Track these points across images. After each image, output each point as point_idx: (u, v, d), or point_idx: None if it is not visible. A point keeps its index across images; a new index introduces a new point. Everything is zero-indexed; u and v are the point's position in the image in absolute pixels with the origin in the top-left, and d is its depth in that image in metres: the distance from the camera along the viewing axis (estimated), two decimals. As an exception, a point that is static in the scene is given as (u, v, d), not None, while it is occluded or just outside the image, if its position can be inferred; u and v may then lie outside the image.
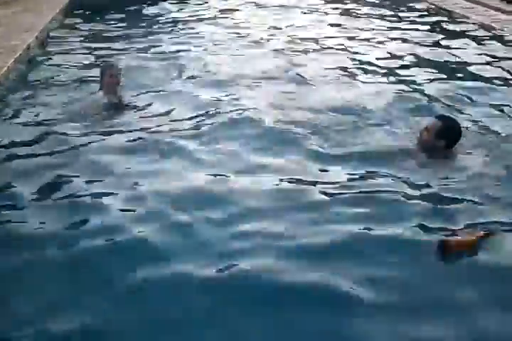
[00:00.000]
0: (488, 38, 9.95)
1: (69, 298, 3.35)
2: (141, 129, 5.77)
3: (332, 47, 9.34)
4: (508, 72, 7.86)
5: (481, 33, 10.33)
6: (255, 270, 3.51)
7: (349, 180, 4.70)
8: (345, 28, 10.66)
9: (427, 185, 4.57)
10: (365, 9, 12.43)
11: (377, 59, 8.60)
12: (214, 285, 3.41)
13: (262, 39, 9.80)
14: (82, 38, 10.01)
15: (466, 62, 8.44)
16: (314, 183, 4.63)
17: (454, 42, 9.57)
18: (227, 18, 11.75)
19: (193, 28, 10.70)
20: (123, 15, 11.65)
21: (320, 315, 3.17)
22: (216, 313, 3.22)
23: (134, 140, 5.51)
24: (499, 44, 9.47)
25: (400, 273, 3.52)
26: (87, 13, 11.83)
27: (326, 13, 12.21)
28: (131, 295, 3.36)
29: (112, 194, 4.45)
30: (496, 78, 7.54)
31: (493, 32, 10.30)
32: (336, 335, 3.08)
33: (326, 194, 4.46)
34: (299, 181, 4.69)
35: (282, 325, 3.13)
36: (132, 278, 3.46)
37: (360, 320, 3.15)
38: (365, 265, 3.59)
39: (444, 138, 4.91)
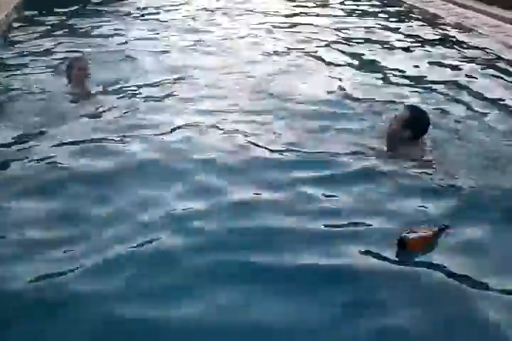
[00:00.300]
0: (441, 29, 10.26)
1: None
2: (110, 122, 5.72)
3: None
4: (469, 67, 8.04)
5: (435, 25, 10.63)
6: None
7: (309, 169, 4.67)
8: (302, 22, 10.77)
9: (388, 178, 4.53)
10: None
11: (340, 50, 8.76)
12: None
13: (228, 32, 9.85)
14: (41, 33, 9.83)
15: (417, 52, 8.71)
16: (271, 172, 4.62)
17: (406, 33, 9.83)
18: (193, 10, 11.75)
19: (157, 22, 10.67)
20: (83, 10, 11.50)
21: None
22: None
23: (103, 133, 5.45)
24: (454, 37, 9.73)
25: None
26: (45, 7, 11.63)
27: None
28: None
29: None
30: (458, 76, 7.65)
31: (449, 25, 10.60)
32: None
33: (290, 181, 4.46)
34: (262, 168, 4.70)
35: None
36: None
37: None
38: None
39: (410, 128, 4.88)
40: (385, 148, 5.00)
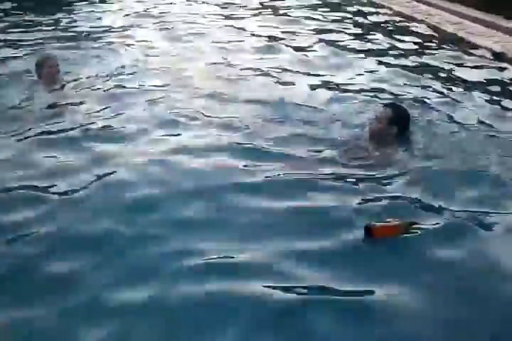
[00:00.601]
0: (406, 27, 10.49)
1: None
2: (86, 115, 5.86)
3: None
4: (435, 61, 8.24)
5: (399, 23, 10.89)
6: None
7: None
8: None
9: (372, 174, 4.61)
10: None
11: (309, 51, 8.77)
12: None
13: (197, 32, 9.81)
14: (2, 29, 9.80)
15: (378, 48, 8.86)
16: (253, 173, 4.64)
17: (368, 31, 9.99)
18: (158, 9, 11.79)
19: (121, 17, 10.75)
20: (45, 7, 11.45)
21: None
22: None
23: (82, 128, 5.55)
24: (418, 35, 9.89)
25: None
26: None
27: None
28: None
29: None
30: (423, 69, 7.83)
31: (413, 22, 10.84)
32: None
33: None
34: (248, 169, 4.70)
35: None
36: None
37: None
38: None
39: (396, 125, 5.01)
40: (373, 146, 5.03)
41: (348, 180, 4.53)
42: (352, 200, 4.19)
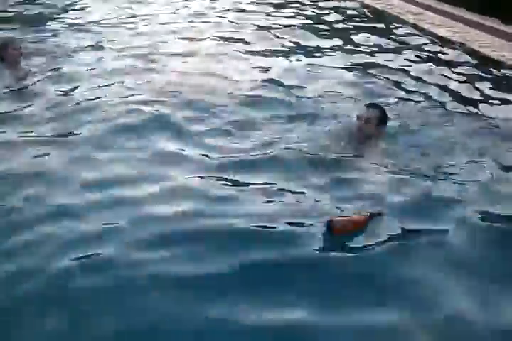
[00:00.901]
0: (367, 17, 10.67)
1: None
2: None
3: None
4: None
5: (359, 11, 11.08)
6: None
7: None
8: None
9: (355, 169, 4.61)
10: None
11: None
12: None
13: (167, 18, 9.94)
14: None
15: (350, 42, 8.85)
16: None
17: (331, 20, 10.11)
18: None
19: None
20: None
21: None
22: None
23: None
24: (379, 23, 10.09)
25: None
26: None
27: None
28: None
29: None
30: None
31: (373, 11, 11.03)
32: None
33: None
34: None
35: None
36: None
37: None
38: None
39: (384, 124, 5.08)
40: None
41: (330, 174, 4.49)
42: (325, 191, 4.19)
